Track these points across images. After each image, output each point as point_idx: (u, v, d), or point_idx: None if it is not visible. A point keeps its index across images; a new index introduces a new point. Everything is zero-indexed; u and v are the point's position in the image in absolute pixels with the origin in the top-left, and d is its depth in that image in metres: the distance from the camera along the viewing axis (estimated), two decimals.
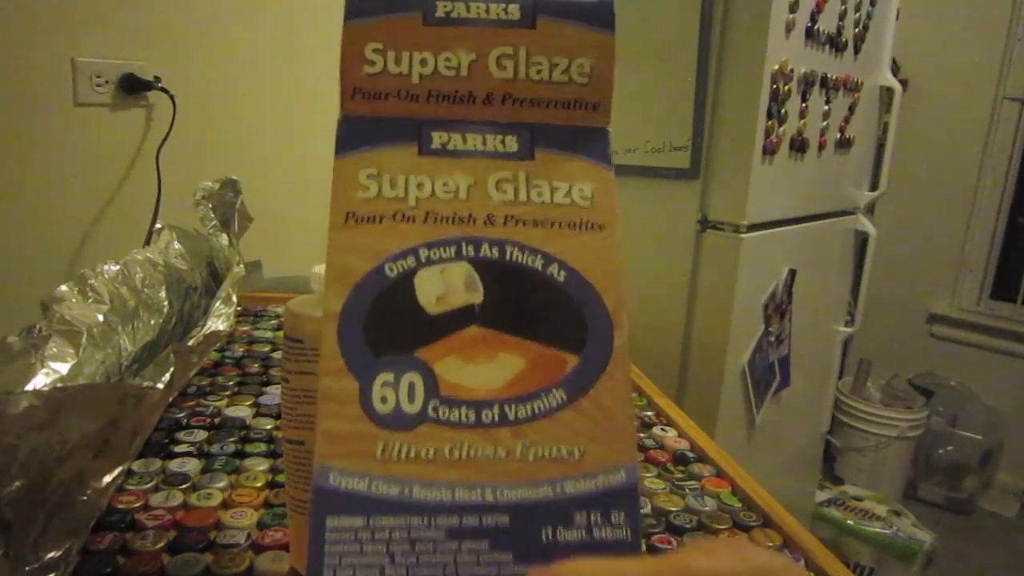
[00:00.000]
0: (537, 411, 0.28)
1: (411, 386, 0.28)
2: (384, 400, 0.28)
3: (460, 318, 0.29)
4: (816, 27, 1.61)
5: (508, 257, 0.30)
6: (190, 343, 0.55)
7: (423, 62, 0.31)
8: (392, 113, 0.32)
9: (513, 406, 0.28)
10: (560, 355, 0.29)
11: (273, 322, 1.01)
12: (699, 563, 0.26)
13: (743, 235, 1.59)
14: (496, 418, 0.28)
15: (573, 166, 0.32)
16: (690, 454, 0.70)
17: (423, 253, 0.30)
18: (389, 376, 0.28)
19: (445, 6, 0.32)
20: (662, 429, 0.75)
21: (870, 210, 2.11)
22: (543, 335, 0.29)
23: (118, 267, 0.72)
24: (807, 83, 1.64)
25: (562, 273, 0.30)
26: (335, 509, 0.26)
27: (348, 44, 0.32)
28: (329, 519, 0.26)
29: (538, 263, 0.30)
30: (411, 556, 0.26)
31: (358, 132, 0.32)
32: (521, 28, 0.32)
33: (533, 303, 0.30)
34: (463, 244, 0.30)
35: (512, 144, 0.32)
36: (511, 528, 0.27)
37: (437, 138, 0.31)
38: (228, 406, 0.74)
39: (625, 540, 0.28)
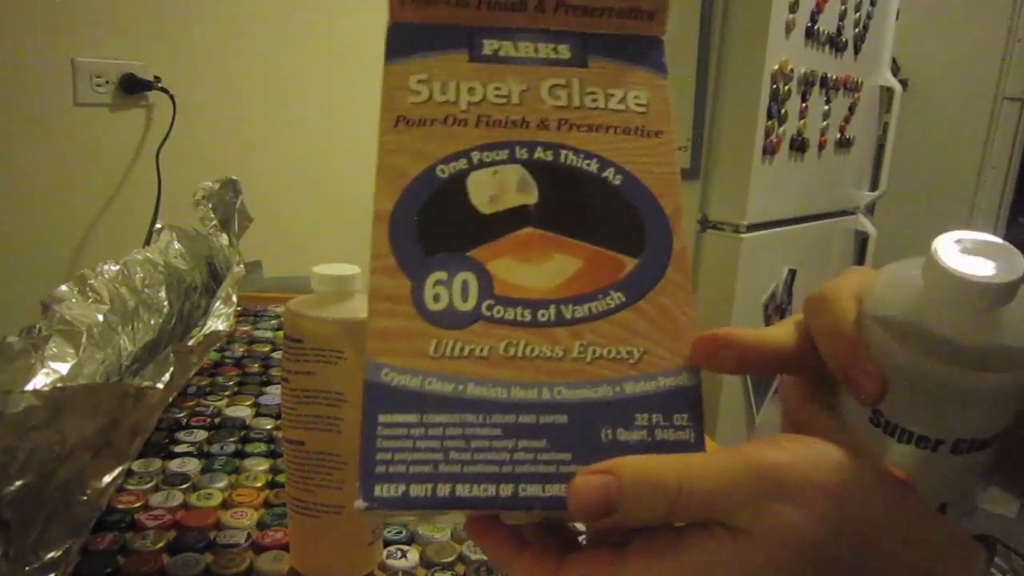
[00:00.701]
0: (594, 311, 0.28)
1: (464, 285, 0.28)
2: (437, 298, 0.27)
3: (514, 219, 0.29)
4: (816, 27, 1.60)
5: (562, 160, 0.30)
6: (190, 343, 0.55)
7: None
8: (442, 20, 0.31)
9: (570, 306, 0.28)
10: (617, 257, 0.29)
11: (273, 322, 1.01)
12: (770, 455, 0.25)
13: (743, 235, 1.59)
14: (552, 317, 0.28)
15: (628, 74, 0.32)
16: None
17: (475, 156, 0.29)
18: (442, 275, 0.28)
19: None
20: None
21: (870, 210, 2.11)
22: (599, 237, 0.29)
23: (118, 267, 0.72)
24: (807, 83, 1.63)
25: (618, 177, 0.30)
26: (387, 405, 0.26)
27: None
28: (381, 415, 0.26)
29: (593, 167, 0.30)
30: (466, 453, 0.26)
31: (407, 38, 0.31)
32: None
33: (589, 206, 0.29)
34: (516, 147, 0.30)
35: (565, 52, 0.32)
36: (569, 427, 0.26)
37: (488, 45, 0.31)
38: (228, 406, 0.73)
39: (689, 442, 0.27)
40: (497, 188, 0.29)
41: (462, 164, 0.29)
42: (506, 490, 0.26)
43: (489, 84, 0.31)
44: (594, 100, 0.31)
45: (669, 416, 0.27)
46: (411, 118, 0.30)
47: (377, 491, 0.25)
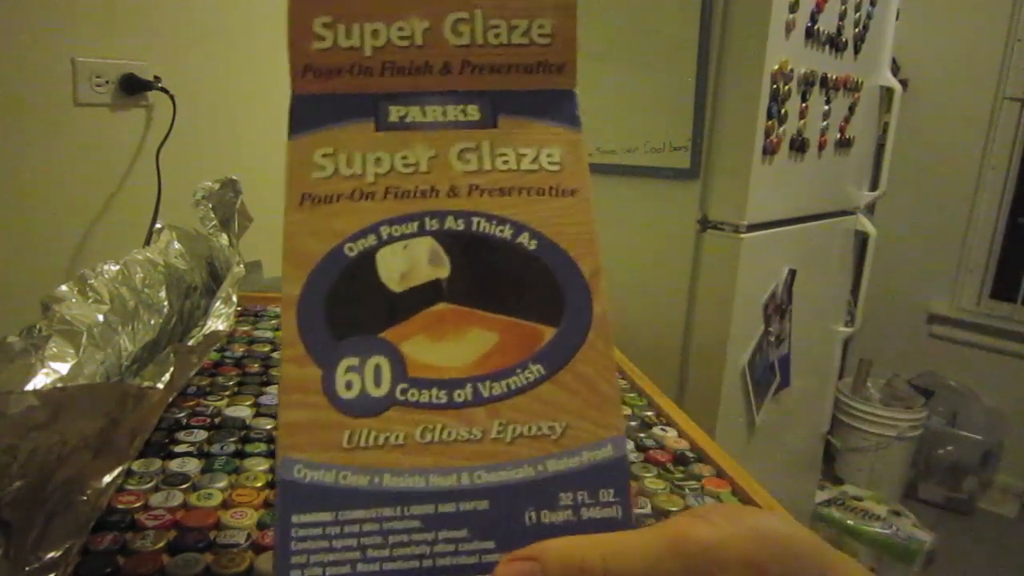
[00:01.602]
0: (513, 387, 0.27)
1: (377, 369, 0.27)
2: (349, 386, 0.26)
3: (426, 295, 0.28)
4: (816, 27, 1.61)
5: (475, 228, 0.29)
6: (190, 343, 0.55)
7: (375, 33, 0.30)
8: (346, 89, 0.30)
9: (487, 383, 0.27)
10: (536, 328, 0.28)
11: (273, 322, 1.01)
12: (696, 531, 0.24)
13: (743, 235, 1.59)
14: (469, 397, 0.27)
15: (539, 131, 0.30)
16: (690, 454, 0.70)
17: (384, 230, 0.28)
18: (353, 360, 0.27)
19: None
20: (662, 429, 0.75)
21: (870, 210, 2.11)
22: (516, 308, 0.28)
23: (118, 267, 0.72)
24: (807, 83, 1.64)
25: (533, 242, 0.29)
26: (301, 505, 0.25)
27: (295, 19, 0.31)
28: (295, 516, 0.25)
29: (507, 232, 0.29)
30: (384, 549, 0.25)
31: (311, 111, 0.31)
32: None
33: (504, 275, 0.28)
34: (426, 218, 0.28)
35: (474, 113, 0.30)
36: (491, 513, 0.26)
37: (395, 112, 0.30)
38: (228, 406, 0.73)
39: (616, 518, 0.26)
40: (408, 263, 0.28)
41: (371, 240, 0.28)
42: None
43: (396, 153, 0.29)
44: (505, 162, 0.30)
45: (595, 493, 0.26)
46: (316, 195, 0.29)
47: None
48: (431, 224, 0.28)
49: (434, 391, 0.27)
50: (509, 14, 0.30)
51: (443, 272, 0.28)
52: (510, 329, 0.28)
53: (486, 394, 0.27)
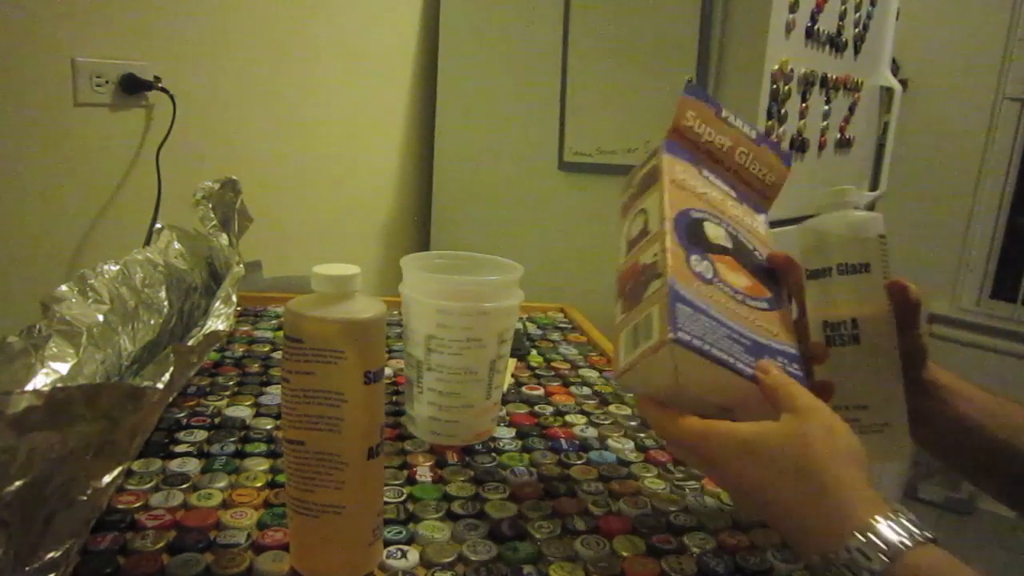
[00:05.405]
0: (754, 306, 0.56)
1: (707, 264, 0.54)
2: (695, 264, 0.53)
3: (723, 248, 0.56)
4: (816, 27, 1.60)
5: (739, 235, 0.60)
6: (190, 343, 0.55)
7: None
8: (687, 148, 0.64)
9: (746, 299, 0.56)
10: (764, 287, 0.58)
11: (273, 322, 1.01)
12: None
13: None
14: (739, 299, 0.54)
15: (757, 217, 0.67)
16: None
17: (708, 214, 0.58)
18: (697, 256, 0.54)
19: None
20: None
21: (870, 210, 2.11)
22: (757, 275, 0.58)
23: (118, 267, 0.73)
24: (807, 83, 1.63)
25: (757, 252, 0.61)
26: (680, 297, 0.50)
27: None
28: (679, 304, 0.49)
29: (748, 244, 0.61)
30: (721, 330, 0.51)
31: (676, 149, 0.63)
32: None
33: (751, 258, 0.59)
34: (723, 219, 0.59)
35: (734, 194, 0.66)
36: (751, 345, 0.53)
37: (707, 172, 0.65)
38: (228, 406, 0.73)
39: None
40: (716, 232, 0.57)
41: (703, 215, 0.57)
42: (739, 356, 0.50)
43: (710, 187, 0.61)
44: (747, 220, 0.63)
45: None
46: (677, 182, 0.59)
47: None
48: (725, 223, 0.59)
49: (727, 288, 0.54)
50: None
51: (729, 244, 0.57)
52: (754, 280, 0.57)
53: (746, 303, 0.55)
